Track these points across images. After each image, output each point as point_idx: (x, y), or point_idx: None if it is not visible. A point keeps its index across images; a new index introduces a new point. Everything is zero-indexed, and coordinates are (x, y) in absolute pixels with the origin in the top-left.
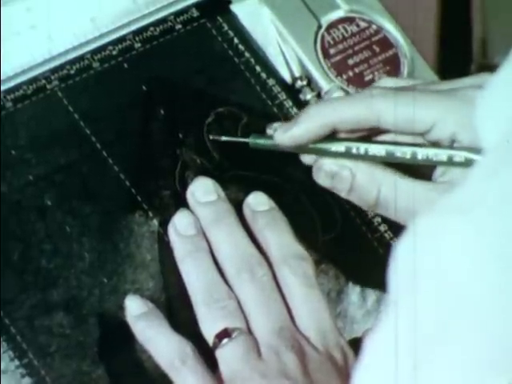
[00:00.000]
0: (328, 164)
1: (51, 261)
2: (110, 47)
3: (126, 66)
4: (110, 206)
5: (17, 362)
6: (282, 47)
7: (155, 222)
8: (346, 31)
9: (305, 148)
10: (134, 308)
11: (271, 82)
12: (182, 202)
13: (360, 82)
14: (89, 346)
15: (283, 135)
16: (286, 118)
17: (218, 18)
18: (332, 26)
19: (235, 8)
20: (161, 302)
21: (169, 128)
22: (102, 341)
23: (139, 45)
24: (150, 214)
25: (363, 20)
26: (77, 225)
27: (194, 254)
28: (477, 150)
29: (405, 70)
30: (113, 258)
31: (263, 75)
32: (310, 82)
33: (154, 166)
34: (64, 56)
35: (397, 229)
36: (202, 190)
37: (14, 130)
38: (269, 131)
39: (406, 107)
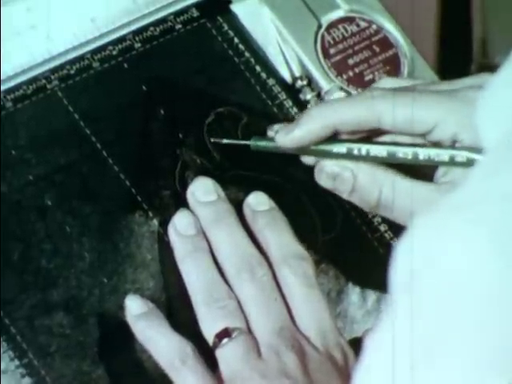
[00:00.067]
0: (329, 165)
1: (51, 261)
2: (110, 47)
3: (125, 66)
4: (110, 206)
5: (17, 362)
6: (282, 47)
7: (155, 221)
8: (346, 31)
9: (306, 150)
10: (134, 308)
11: (271, 81)
12: (182, 202)
13: (360, 82)
14: (89, 346)
15: (285, 137)
16: (286, 117)
17: (218, 17)
18: (332, 25)
19: (235, 8)
20: (161, 301)
21: (169, 128)
22: (102, 341)
23: (139, 45)
24: (150, 214)
25: (363, 20)
26: (77, 225)
27: (193, 253)
28: (478, 150)
29: (405, 70)
30: (113, 258)
31: (263, 75)
32: (310, 82)
33: (154, 166)
34: (64, 56)
35: (397, 229)
36: (202, 190)
37: (13, 130)
38: (270, 133)
39: (407, 108)
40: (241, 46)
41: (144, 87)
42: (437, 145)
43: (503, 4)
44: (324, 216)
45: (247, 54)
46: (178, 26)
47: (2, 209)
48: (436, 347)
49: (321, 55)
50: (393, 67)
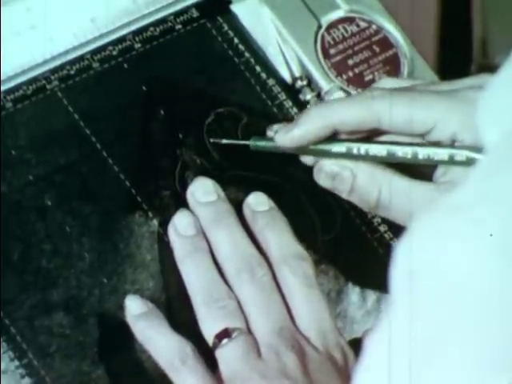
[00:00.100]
0: (329, 165)
1: (51, 261)
2: (110, 47)
3: (125, 66)
4: (110, 206)
5: (17, 363)
6: (282, 47)
7: (155, 222)
8: (346, 31)
9: (306, 149)
10: (134, 308)
11: (271, 82)
12: (181, 202)
13: (360, 82)
14: (89, 346)
15: (284, 137)
16: (286, 118)
17: (218, 18)
18: (332, 26)
19: (235, 8)
20: (161, 302)
21: (169, 128)
22: (102, 341)
23: (139, 45)
24: (150, 215)
25: (363, 20)
26: (77, 225)
27: (193, 254)
28: (478, 149)
29: (405, 70)
30: (113, 258)
31: (263, 75)
32: (310, 82)
33: (154, 166)
34: (64, 56)
35: (397, 229)
36: (202, 190)
37: (13, 130)
38: (269, 133)
39: (406, 108)
40: (241, 46)
41: (144, 87)
42: (436, 145)
43: (503, 4)
44: (323, 216)
45: (247, 54)
46: (178, 27)
47: (2, 209)
48: (436, 347)
49: (321, 55)
50: (393, 67)
